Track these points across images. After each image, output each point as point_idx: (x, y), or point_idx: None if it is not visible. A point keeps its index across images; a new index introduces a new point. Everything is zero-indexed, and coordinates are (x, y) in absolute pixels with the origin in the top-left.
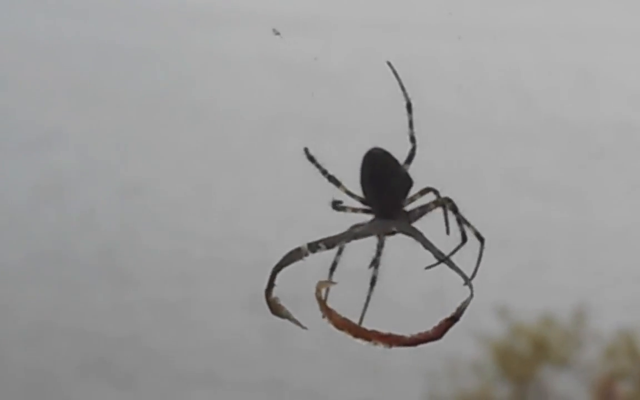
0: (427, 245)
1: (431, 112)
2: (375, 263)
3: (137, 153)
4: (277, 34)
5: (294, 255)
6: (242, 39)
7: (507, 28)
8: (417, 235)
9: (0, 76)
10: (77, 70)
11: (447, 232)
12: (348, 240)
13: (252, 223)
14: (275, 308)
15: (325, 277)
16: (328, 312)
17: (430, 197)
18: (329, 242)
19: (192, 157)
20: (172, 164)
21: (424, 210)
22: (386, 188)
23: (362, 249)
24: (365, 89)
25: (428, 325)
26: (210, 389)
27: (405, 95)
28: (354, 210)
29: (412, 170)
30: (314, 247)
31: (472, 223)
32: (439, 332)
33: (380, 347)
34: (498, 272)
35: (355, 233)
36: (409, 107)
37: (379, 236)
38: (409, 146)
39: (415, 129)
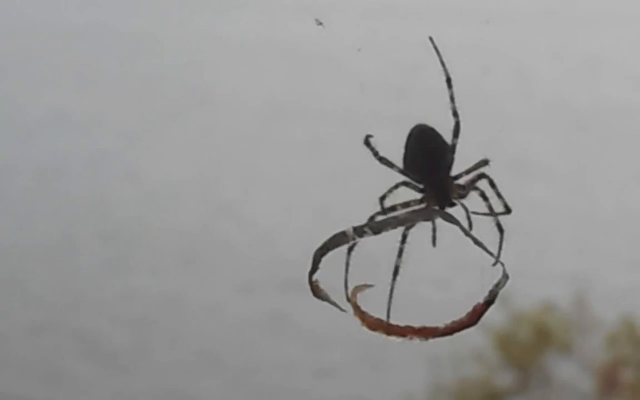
0: (467, 233)
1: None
2: (400, 252)
3: (140, 138)
4: (320, 24)
5: (339, 239)
6: (246, 22)
7: (512, 12)
8: (461, 226)
9: (4, 62)
10: (79, 54)
11: (490, 209)
12: (394, 227)
13: (255, 208)
14: (316, 290)
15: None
16: (362, 315)
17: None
18: (376, 228)
19: (195, 142)
20: (173, 149)
21: (472, 184)
22: (439, 163)
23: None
24: (376, 74)
25: (438, 312)
26: (212, 372)
27: (445, 70)
28: (406, 183)
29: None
30: (360, 231)
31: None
32: (474, 317)
33: (384, 336)
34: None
35: (404, 219)
36: (448, 81)
37: (409, 226)
38: (453, 121)
39: (457, 104)
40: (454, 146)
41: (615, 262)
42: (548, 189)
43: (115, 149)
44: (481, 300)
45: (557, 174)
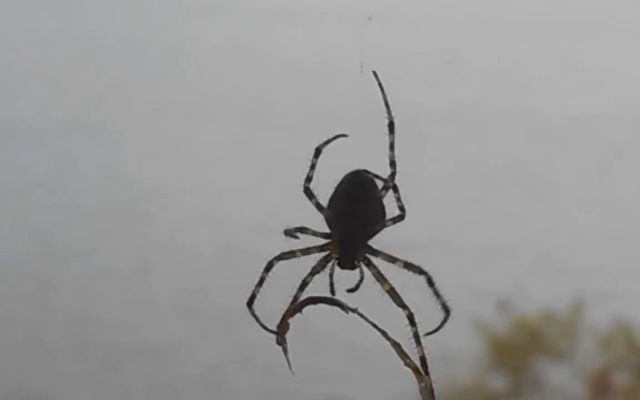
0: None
1: (411, 106)
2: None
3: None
4: (370, 19)
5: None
6: (223, 28)
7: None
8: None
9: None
10: (60, 59)
11: (441, 303)
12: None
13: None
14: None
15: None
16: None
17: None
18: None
19: (178, 146)
20: (156, 151)
21: (390, 259)
22: (359, 218)
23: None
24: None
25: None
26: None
27: (389, 113)
28: (314, 233)
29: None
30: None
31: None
32: None
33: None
34: (500, 268)
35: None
36: (391, 126)
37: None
38: (388, 171)
39: (397, 153)
40: (380, 200)
41: (609, 270)
42: (546, 199)
43: (97, 150)
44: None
45: (552, 183)
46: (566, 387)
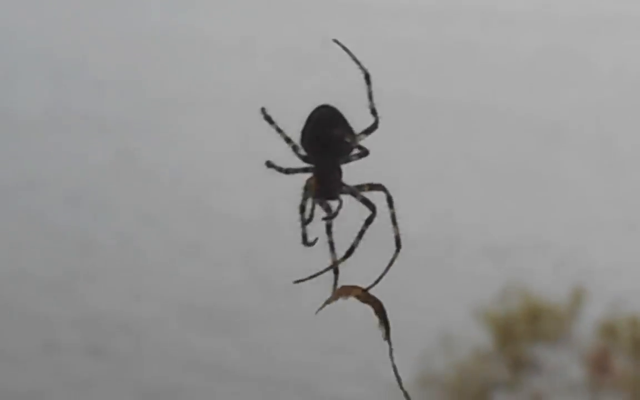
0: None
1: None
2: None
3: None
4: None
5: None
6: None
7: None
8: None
9: None
10: (59, 52)
11: (395, 235)
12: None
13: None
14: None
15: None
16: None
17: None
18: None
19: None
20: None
21: (358, 188)
22: (332, 148)
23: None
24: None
25: None
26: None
27: (362, 67)
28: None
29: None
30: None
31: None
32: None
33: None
34: (502, 241)
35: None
36: (367, 78)
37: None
38: (371, 119)
39: (376, 101)
40: (359, 140)
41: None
42: (545, 190)
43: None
44: None
45: (556, 178)
46: (566, 370)
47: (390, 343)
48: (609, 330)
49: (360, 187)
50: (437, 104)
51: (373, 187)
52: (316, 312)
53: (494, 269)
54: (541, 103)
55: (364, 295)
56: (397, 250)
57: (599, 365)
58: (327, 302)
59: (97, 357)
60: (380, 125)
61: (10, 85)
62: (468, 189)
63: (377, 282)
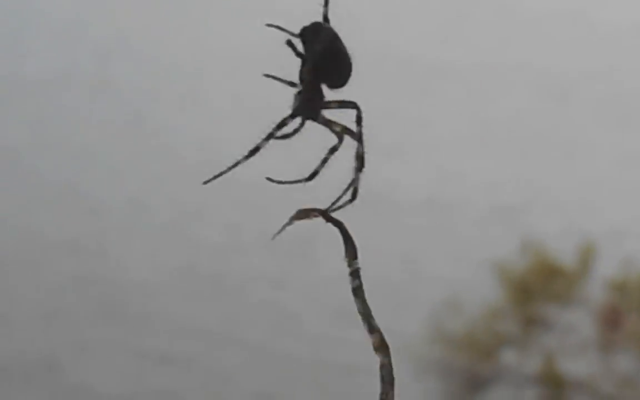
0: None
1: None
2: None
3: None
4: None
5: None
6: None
7: None
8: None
9: None
10: (62, 55)
11: (358, 153)
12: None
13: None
14: None
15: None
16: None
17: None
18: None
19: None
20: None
21: (339, 104)
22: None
23: None
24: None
25: None
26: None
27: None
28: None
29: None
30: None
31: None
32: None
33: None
34: (513, 201)
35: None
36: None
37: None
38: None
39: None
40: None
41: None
42: (562, 155)
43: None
44: None
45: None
46: (576, 328)
47: (356, 264)
48: (619, 289)
49: (329, 103)
50: (445, 66)
51: (344, 104)
52: (273, 237)
53: (505, 229)
54: (551, 63)
55: (326, 216)
56: (360, 169)
57: (610, 323)
58: (286, 225)
59: (106, 321)
60: (388, 87)
61: (19, 47)
62: (478, 150)
63: (335, 202)
